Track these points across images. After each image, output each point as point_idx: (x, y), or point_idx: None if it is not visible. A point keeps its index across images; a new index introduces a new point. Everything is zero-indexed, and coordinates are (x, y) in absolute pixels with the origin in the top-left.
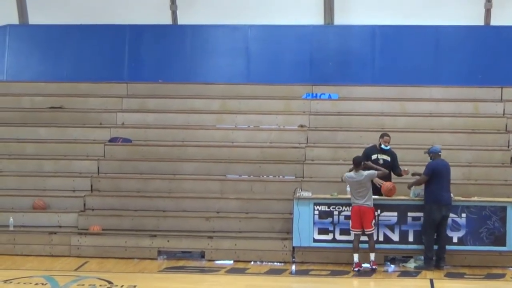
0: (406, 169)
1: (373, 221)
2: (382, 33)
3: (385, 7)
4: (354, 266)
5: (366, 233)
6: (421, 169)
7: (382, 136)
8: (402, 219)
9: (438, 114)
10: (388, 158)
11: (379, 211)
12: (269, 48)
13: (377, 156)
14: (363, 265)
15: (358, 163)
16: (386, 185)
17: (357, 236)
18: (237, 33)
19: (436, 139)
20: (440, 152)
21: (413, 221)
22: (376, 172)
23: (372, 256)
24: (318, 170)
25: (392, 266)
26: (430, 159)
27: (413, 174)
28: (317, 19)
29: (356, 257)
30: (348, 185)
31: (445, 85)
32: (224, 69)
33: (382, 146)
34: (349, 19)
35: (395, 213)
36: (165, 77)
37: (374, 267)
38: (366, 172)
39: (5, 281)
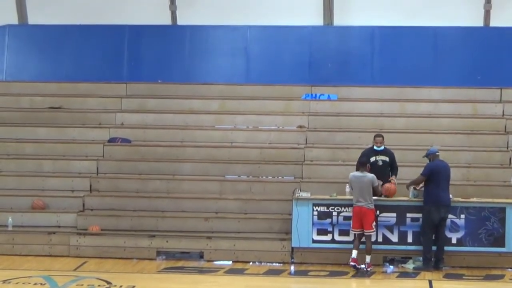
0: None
1: (374, 223)
2: (381, 33)
3: (384, 8)
4: (350, 260)
5: (365, 234)
6: (420, 170)
7: (374, 137)
8: (401, 220)
9: (437, 115)
10: (387, 159)
11: (378, 212)
12: (269, 48)
13: (376, 158)
14: (361, 266)
15: (364, 164)
16: (385, 185)
17: (358, 235)
18: (236, 34)
19: (435, 140)
20: (437, 153)
21: (412, 222)
22: (377, 184)
23: (368, 258)
24: (317, 170)
25: (391, 267)
26: (429, 161)
27: (408, 186)
28: (317, 20)
29: (354, 253)
30: (347, 186)
31: (444, 86)
32: (224, 69)
33: (375, 147)
34: (349, 20)
35: (394, 214)
36: (165, 77)
37: (369, 269)
38: (371, 175)
39: (4, 281)
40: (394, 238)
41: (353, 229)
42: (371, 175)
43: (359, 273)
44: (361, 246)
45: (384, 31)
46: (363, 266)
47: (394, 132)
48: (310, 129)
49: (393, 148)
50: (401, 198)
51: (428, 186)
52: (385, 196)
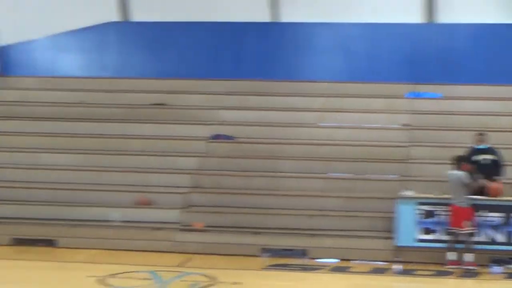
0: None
1: (468, 222)
2: (485, 31)
3: (489, 5)
4: (447, 263)
5: (461, 232)
6: None
7: (475, 136)
8: (508, 220)
9: None
10: (492, 157)
11: (484, 211)
12: (370, 46)
13: (481, 157)
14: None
15: (457, 161)
16: (492, 185)
17: (454, 235)
18: (337, 31)
19: None
20: None
21: None
22: (466, 178)
23: (468, 257)
24: (421, 169)
25: (498, 267)
26: None
27: None
28: (419, 17)
29: (449, 255)
30: None
31: None
32: (325, 67)
33: (477, 146)
34: (452, 17)
35: (501, 214)
36: (266, 75)
37: (470, 267)
38: (460, 173)
39: (112, 275)
40: (501, 238)
41: (450, 227)
42: (461, 173)
43: (466, 273)
44: (460, 245)
45: (488, 29)
46: (470, 267)
47: (497, 131)
48: (414, 128)
49: (497, 147)
50: (508, 198)
51: None
52: (493, 197)
